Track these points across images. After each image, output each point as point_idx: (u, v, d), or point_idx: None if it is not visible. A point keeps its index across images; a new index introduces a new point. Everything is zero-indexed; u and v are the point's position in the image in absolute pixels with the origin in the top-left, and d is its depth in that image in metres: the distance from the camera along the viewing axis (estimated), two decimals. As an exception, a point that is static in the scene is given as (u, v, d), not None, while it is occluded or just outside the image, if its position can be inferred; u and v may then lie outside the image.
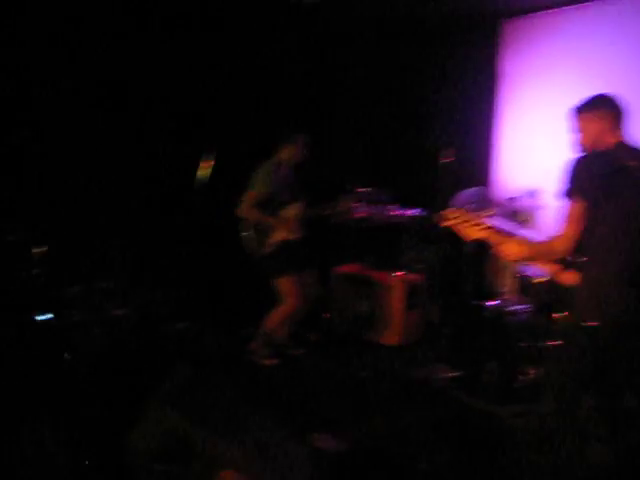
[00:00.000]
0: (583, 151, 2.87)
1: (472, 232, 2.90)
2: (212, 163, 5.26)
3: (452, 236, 5.76)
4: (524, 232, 2.89)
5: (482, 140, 6.26)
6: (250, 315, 5.36)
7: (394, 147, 6.52)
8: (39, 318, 5.13)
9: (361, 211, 5.93)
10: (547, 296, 3.91)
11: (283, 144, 5.05)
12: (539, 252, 2.81)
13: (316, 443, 3.32)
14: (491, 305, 4.65)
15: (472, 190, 5.46)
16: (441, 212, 3.02)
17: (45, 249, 5.12)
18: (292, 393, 4.38)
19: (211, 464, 2.68)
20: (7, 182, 5.00)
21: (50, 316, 5.09)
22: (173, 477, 2.68)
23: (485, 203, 5.46)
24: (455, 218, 2.89)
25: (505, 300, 4.81)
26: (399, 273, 5.71)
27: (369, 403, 4.36)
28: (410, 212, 6.08)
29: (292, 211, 5.08)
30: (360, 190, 5.82)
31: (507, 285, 5.02)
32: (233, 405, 3.09)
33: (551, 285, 2.60)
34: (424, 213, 6.11)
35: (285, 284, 4.98)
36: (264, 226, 4.98)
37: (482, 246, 5.71)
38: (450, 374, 4.64)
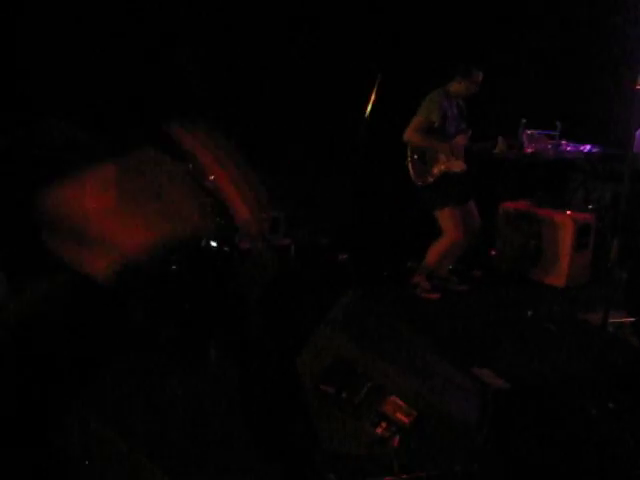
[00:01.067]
0: None
1: None
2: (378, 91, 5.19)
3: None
4: None
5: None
6: (414, 247, 5.34)
7: (571, 80, 6.10)
8: (209, 244, 5.40)
9: (530, 146, 5.69)
10: None
11: (457, 76, 4.89)
12: None
13: (480, 378, 3.28)
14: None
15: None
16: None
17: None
18: (454, 328, 4.34)
19: (377, 389, 2.72)
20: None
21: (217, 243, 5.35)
22: (340, 400, 2.75)
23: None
24: None
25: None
26: (569, 211, 5.44)
27: (535, 344, 4.24)
28: (583, 148, 5.76)
29: (458, 142, 4.95)
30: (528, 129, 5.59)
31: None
32: (398, 334, 3.11)
33: None
34: (598, 150, 5.76)
35: (447, 216, 4.91)
36: (428, 155, 4.89)
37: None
38: (624, 319, 4.39)
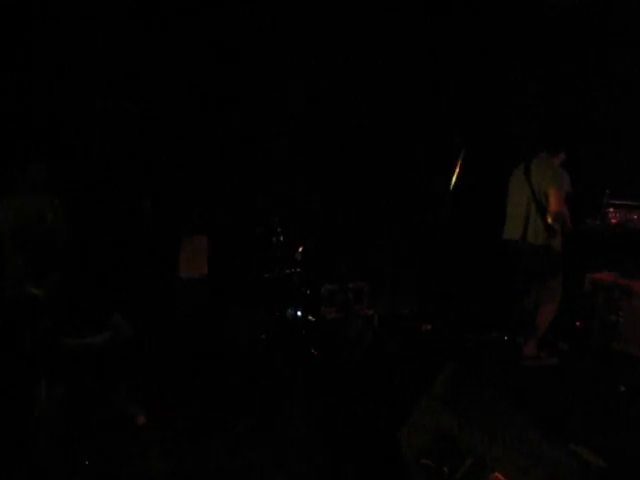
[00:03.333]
0: None
1: None
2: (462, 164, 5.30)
3: None
4: None
5: None
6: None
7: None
8: (295, 313, 5.52)
9: (617, 217, 5.68)
10: None
11: (561, 151, 5.04)
12: None
13: (580, 455, 3.24)
14: None
15: None
16: None
17: (302, 249, 5.51)
18: (548, 403, 4.29)
19: (480, 465, 2.74)
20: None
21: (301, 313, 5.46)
22: (442, 474, 2.77)
23: None
24: None
25: None
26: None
27: (630, 419, 4.15)
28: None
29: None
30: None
31: None
32: (497, 409, 3.13)
33: None
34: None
35: (559, 281, 5.04)
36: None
37: None
38: None
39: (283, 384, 4.37)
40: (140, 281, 4.98)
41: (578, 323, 5.71)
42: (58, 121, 4.90)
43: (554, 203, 4.85)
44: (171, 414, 3.90)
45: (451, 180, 5.26)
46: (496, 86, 6.09)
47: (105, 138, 5.00)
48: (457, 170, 5.23)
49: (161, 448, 3.50)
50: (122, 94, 5.03)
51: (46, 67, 4.82)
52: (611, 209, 5.81)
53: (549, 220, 4.87)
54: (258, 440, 3.63)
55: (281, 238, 5.21)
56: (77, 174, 5.00)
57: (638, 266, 5.69)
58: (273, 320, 5.41)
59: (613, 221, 5.81)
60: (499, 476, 2.71)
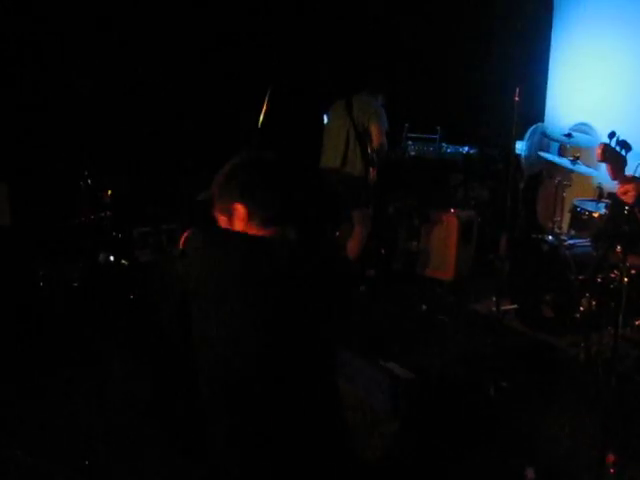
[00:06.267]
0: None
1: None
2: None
3: (503, 173, 5.90)
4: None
5: (539, 77, 6.21)
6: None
7: (455, 86, 6.50)
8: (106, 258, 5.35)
9: (415, 150, 6.07)
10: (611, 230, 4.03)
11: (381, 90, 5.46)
12: None
13: (389, 370, 3.51)
14: (549, 239, 4.75)
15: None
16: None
17: (111, 192, 5.31)
18: (356, 326, 4.57)
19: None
20: (77, 128, 5.18)
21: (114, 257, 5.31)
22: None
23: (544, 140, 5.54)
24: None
25: (560, 234, 4.92)
26: (453, 209, 5.83)
27: (431, 335, 4.55)
28: (462, 150, 6.18)
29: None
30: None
31: (562, 219, 5.11)
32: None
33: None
34: (475, 151, 6.20)
35: (369, 212, 5.43)
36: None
37: (536, 180, 5.86)
38: (509, 306, 4.79)
39: (103, 331, 4.27)
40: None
41: (382, 250, 6.09)
42: None
43: (376, 136, 5.19)
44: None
45: (259, 118, 5.31)
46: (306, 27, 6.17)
47: None
48: (265, 107, 5.28)
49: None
50: None
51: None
52: (410, 142, 6.20)
53: (369, 151, 5.17)
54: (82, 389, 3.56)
55: (89, 181, 4.98)
56: None
57: (434, 195, 6.16)
58: (85, 266, 5.21)
59: (412, 153, 6.21)
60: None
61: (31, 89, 4.96)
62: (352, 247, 5.43)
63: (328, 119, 5.53)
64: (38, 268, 4.88)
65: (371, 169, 5.23)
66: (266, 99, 5.24)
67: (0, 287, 4.56)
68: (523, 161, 5.69)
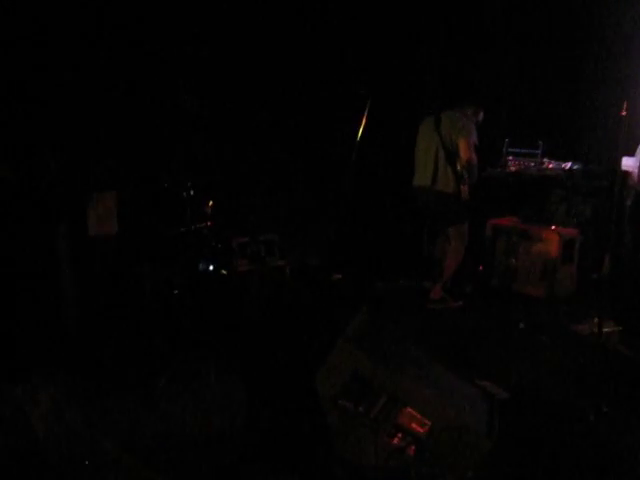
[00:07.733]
0: None
1: None
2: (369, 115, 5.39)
3: (608, 190, 5.69)
4: None
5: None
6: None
7: (556, 102, 6.36)
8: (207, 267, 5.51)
9: (515, 165, 5.95)
10: None
11: (474, 104, 5.34)
12: None
13: (484, 388, 3.45)
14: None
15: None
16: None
17: (212, 203, 5.47)
18: (454, 343, 4.50)
19: (393, 402, 2.88)
20: (183, 142, 5.38)
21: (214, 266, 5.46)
22: (358, 414, 2.90)
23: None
24: None
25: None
26: (554, 226, 5.67)
27: (529, 354, 4.43)
28: (564, 166, 6.00)
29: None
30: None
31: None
32: (407, 349, 3.28)
33: None
34: (578, 166, 6.01)
35: (465, 229, 5.35)
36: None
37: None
38: (613, 328, 4.61)
39: (200, 337, 4.39)
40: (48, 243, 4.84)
41: (480, 267, 6.00)
42: None
43: (464, 152, 5.10)
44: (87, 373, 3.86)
45: (358, 131, 5.35)
46: (403, 38, 6.19)
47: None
48: (364, 121, 5.32)
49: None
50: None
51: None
52: (510, 157, 6.08)
53: (459, 168, 5.12)
54: (177, 392, 3.65)
55: (191, 192, 5.16)
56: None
57: (534, 211, 6.00)
58: (186, 275, 5.38)
59: (512, 169, 6.09)
60: (410, 410, 2.86)
61: (142, 105, 5.18)
62: (449, 263, 5.38)
63: (419, 135, 5.50)
64: (143, 276, 5.08)
65: (462, 186, 5.16)
66: (365, 112, 5.29)
67: (107, 294, 4.76)
68: (635, 178, 5.47)
